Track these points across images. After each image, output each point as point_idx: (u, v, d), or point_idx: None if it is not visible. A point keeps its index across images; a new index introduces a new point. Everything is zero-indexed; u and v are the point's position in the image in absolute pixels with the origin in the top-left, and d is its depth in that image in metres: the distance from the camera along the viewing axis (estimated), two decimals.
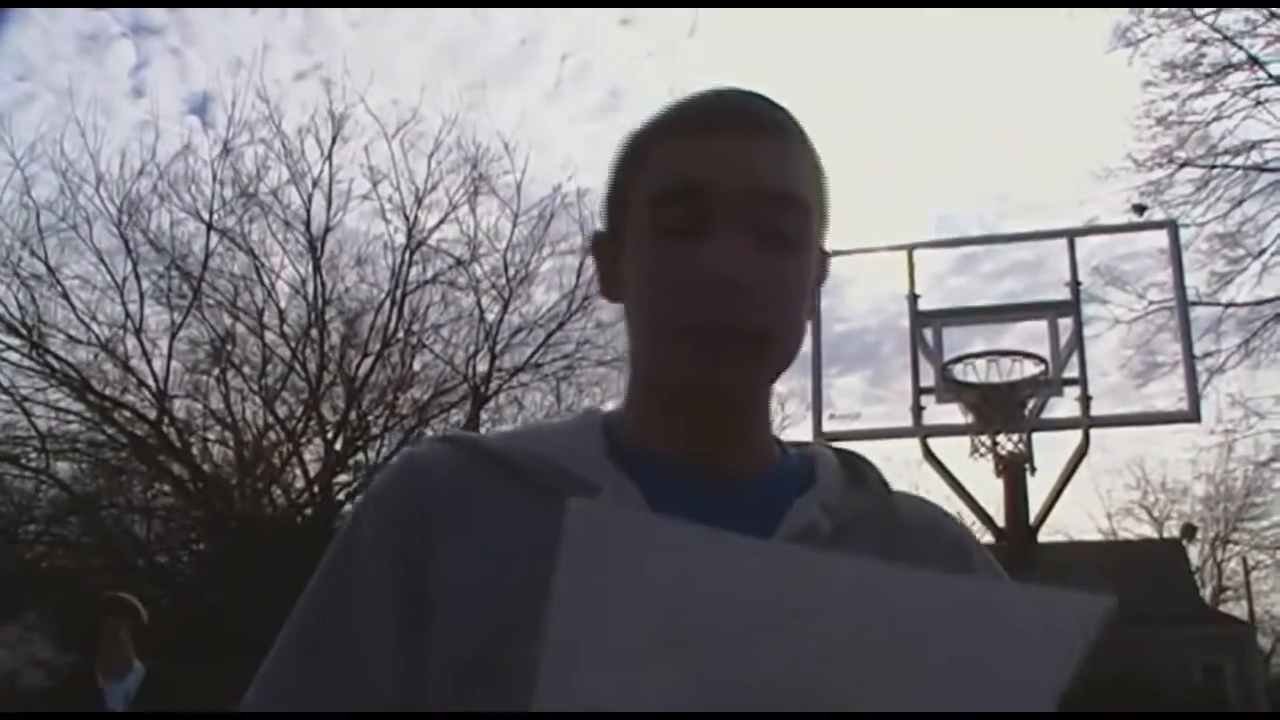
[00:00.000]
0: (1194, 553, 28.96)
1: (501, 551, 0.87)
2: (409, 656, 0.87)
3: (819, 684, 0.70)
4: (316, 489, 16.40)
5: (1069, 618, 0.74)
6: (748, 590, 0.71)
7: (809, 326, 0.98)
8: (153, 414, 15.83)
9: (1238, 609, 27.48)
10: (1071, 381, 7.96)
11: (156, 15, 26.83)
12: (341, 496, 16.74)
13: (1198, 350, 9.21)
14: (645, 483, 0.91)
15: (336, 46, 28.83)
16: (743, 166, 0.91)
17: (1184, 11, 14.66)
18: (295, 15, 30.29)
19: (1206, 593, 29.18)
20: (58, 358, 15.43)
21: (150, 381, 15.89)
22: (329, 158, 16.28)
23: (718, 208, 0.90)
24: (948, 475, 7.93)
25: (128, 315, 15.76)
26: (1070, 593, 0.77)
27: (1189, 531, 28.22)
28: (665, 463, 0.94)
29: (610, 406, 1.05)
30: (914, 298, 8.33)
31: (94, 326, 15.66)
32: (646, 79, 30.48)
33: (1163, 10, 14.67)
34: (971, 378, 8.17)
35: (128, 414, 15.88)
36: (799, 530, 0.91)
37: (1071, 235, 8.36)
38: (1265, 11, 14.54)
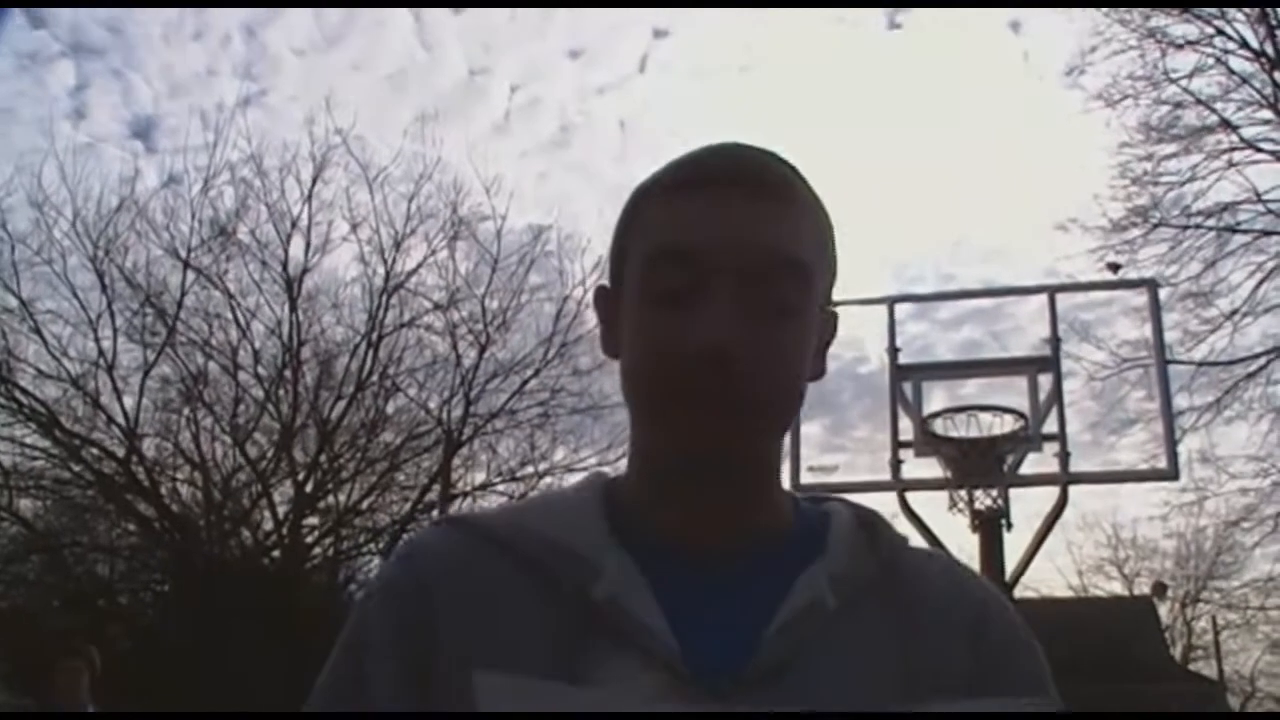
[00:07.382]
0: (1164, 611, 28.99)
1: (502, 643, 0.86)
2: None
3: None
4: (285, 531, 16.20)
5: None
6: None
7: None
8: (121, 452, 15.62)
9: (1207, 668, 27.47)
10: (1050, 437, 7.96)
11: (97, 35, 26.67)
12: (310, 539, 16.55)
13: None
14: (646, 562, 0.88)
15: (281, 74, 28.63)
16: (738, 231, 0.87)
17: (1158, 74, 14.91)
18: (238, 40, 30.16)
19: (1177, 651, 29.18)
20: (26, 393, 15.24)
21: (120, 419, 15.72)
22: (309, 199, 16.28)
23: (711, 273, 0.87)
24: (924, 529, 7.88)
25: (100, 352, 15.65)
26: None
27: (1159, 589, 28.25)
28: (667, 538, 0.91)
29: (617, 468, 1.02)
30: (894, 351, 8.33)
31: (65, 362, 15.52)
32: (596, 113, 30.37)
33: (1138, 73, 14.93)
34: (951, 432, 8.15)
35: (95, 451, 15.67)
36: (801, 609, 0.87)
37: (1051, 291, 8.40)
38: (1236, 77, 14.82)
